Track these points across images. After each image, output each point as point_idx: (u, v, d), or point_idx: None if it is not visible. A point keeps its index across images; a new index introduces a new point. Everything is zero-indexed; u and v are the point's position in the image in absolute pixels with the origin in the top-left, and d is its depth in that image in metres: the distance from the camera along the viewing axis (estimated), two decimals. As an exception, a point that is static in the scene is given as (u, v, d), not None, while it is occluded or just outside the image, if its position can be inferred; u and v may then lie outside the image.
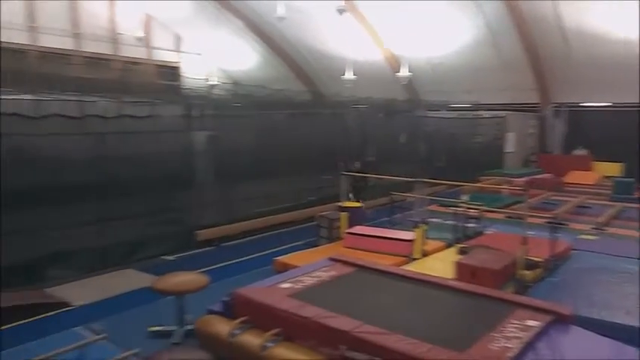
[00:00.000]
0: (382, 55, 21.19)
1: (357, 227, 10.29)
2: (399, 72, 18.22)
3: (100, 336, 6.00)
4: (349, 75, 18.56)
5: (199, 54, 18.27)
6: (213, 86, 15.71)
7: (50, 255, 8.67)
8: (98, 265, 9.13)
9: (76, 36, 15.93)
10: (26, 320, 6.85)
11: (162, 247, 10.13)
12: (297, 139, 13.71)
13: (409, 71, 17.91)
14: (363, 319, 5.34)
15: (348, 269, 7.33)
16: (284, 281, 6.75)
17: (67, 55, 14.80)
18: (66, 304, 7.44)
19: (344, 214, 10.76)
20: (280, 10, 16.00)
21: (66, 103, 10.42)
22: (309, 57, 21.58)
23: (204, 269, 8.10)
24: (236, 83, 17.88)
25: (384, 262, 8.12)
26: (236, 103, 14.20)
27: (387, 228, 10.91)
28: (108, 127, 10.08)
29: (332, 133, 14.98)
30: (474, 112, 21.13)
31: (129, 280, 8.65)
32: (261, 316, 5.88)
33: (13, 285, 8.00)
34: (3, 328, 6.58)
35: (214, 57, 19.32)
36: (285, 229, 12.26)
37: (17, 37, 14.27)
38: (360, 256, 8.25)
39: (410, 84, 21.04)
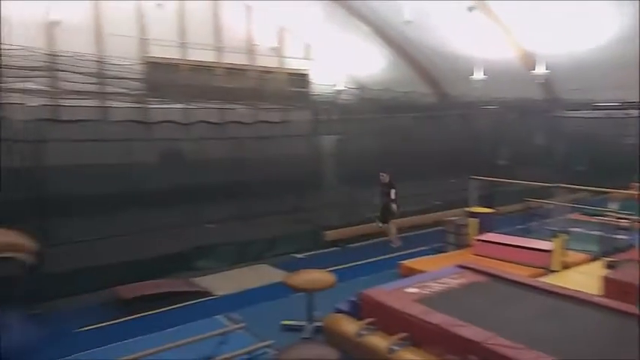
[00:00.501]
0: (515, 52, 19.90)
1: (488, 234, 9.83)
2: (534, 70, 17.00)
3: (239, 325, 6.50)
4: (478, 75, 17.76)
5: (328, 61, 18.79)
6: (340, 91, 16.11)
7: (196, 248, 9.60)
8: (237, 259, 9.90)
9: (219, 49, 17.29)
10: (176, 306, 7.66)
11: (293, 245, 10.64)
12: (424, 143, 13.51)
13: (546, 68, 16.62)
14: (495, 331, 5.11)
15: (478, 278, 7.05)
16: (410, 286, 6.71)
17: (210, 67, 16.19)
18: (209, 294, 8.18)
19: (473, 220, 10.35)
20: (407, 14, 15.90)
21: (210, 110, 11.52)
22: (435, 58, 21.02)
23: (330, 269, 8.36)
24: (362, 88, 18.10)
25: (519, 273, 7.66)
26: (362, 107, 14.44)
27: (521, 236, 10.27)
28: (246, 132, 10.90)
29: (460, 136, 14.49)
30: (624, 111, 18.91)
31: (263, 274, 9.24)
32: (387, 319, 5.91)
33: (165, 273, 9.03)
34: (156, 311, 7.44)
35: (342, 63, 19.72)
36: (410, 234, 12.14)
37: (170, 52, 15.88)
38: (491, 265, 7.89)
39: (547, 82, 19.49)
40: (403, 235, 11.76)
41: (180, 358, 5.56)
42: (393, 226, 11.44)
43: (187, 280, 8.56)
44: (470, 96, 16.74)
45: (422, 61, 20.59)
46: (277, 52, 18.51)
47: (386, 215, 11.40)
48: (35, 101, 10.30)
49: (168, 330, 6.68)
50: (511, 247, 9.19)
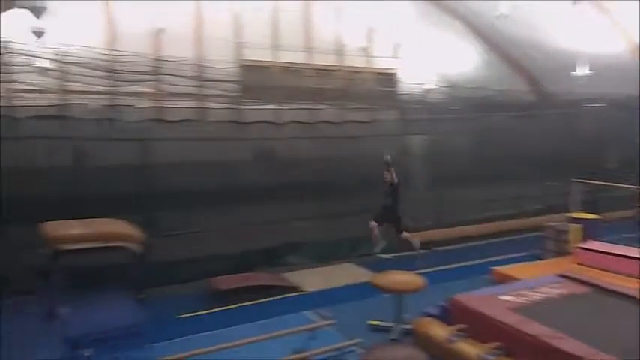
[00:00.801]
0: (625, 45, 18.28)
1: (593, 242, 9.13)
2: (647, 64, 15.46)
3: (328, 322, 6.60)
4: (582, 70, 16.53)
5: (417, 59, 18.47)
6: (429, 90, 15.76)
7: (286, 244, 9.90)
8: (324, 256, 10.06)
9: (308, 50, 17.56)
10: (268, 298, 7.95)
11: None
12: (520, 143, 12.82)
13: (664, 62, 15.07)
14: (600, 347, 4.75)
15: (581, 288, 6.58)
16: (505, 293, 6.42)
17: (301, 68, 16.53)
18: (298, 289, 8.40)
19: (575, 227, 9.66)
20: (503, 7, 15.17)
21: (300, 110, 11.81)
22: (533, 53, 19.82)
23: (417, 271, 8.22)
24: (453, 86, 17.58)
25: (626, 285, 7.04)
26: (453, 106, 14.02)
27: (629, 246, 9.42)
28: (335, 131, 11.04)
29: (561, 136, 13.58)
30: None
31: (350, 273, 9.31)
32: (479, 326, 5.71)
33: (256, 266, 9.42)
34: (249, 303, 7.76)
35: (432, 61, 19.27)
36: (503, 238, 11.60)
37: (263, 55, 16.40)
38: (595, 275, 7.33)
39: (663, 77, 17.62)
40: (495, 240, 11.28)
41: (270, 349, 5.76)
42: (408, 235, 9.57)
43: (278, 275, 8.85)
44: (572, 93, 15.64)
45: (518, 57, 19.55)
46: (366, 52, 18.50)
47: (397, 223, 9.30)
48: (144, 103, 11.23)
49: (260, 321, 6.95)
50: (618, 257, 8.47)
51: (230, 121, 12.08)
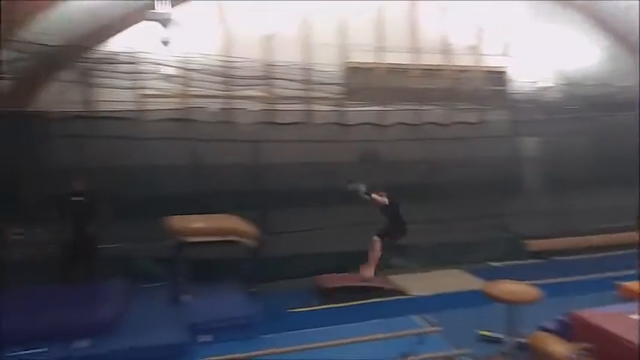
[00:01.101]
0: None
1: None
2: None
3: (435, 328, 6.46)
4: None
5: (530, 56, 17.41)
6: (545, 89, 14.79)
7: (392, 247, 9.83)
8: (429, 261, 9.86)
9: (414, 50, 17.29)
10: (373, 300, 7.97)
11: (489, 252, 10.17)
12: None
13: None
14: None
15: None
16: (635, 312, 5.84)
17: (406, 68, 16.31)
18: (404, 293, 8.32)
19: None
20: (631, -4, 13.80)
21: (406, 112, 11.68)
22: (667, 46, 17.77)
23: (532, 282, 7.75)
24: (571, 83, 16.33)
25: None
26: (570, 105, 13.02)
27: None
28: (441, 133, 10.78)
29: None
30: None
31: (458, 279, 9.04)
32: (606, 346, 5.25)
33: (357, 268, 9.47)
34: (355, 303, 7.84)
35: (547, 58, 18.05)
36: (629, 251, 10.55)
37: (368, 57, 16.42)
38: None
39: None
40: (622, 252, 10.28)
41: (376, 350, 5.77)
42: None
43: (384, 277, 8.83)
44: None
45: (649, 51, 17.67)
46: (474, 50, 17.82)
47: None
48: (256, 106, 11.82)
49: (366, 322, 6.99)
50: None
51: (335, 123, 12.30)
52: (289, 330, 6.88)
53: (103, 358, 5.57)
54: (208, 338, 6.35)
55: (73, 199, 7.48)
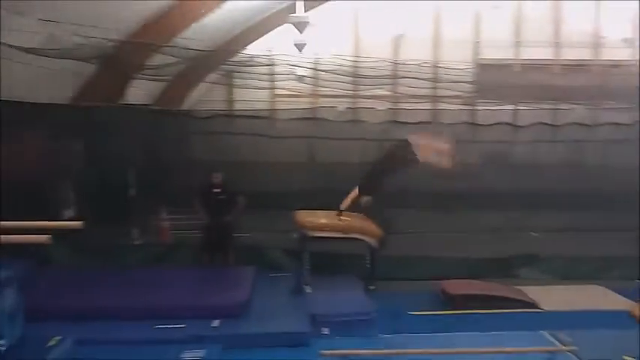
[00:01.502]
0: None
1: None
2: None
3: (569, 347, 5.93)
4: None
5: None
6: None
7: (519, 256, 9.22)
8: (565, 274, 9.05)
9: (556, 45, 15.99)
10: (500, 310, 7.52)
11: (636, 269, 9.03)
12: None
13: None
14: None
15: None
16: None
17: (546, 65, 15.15)
18: (535, 306, 7.74)
19: None
20: None
21: (545, 111, 10.83)
22: None
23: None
24: None
25: None
26: None
27: None
28: (586, 134, 9.81)
29: None
30: None
31: (598, 297, 8.16)
32: None
33: (486, 275, 9.01)
34: (481, 311, 7.47)
35: None
36: None
37: (503, 53, 15.57)
38: None
39: None
40: None
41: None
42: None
43: (513, 287, 8.31)
44: None
45: None
46: (630, 43, 15.88)
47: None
48: (383, 105, 11.86)
49: (491, 333, 6.63)
50: None
51: (464, 123, 11.85)
52: (409, 332, 6.78)
53: (232, 339, 5.98)
54: (326, 331, 6.52)
55: (213, 190, 8.14)
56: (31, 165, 8.18)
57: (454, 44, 14.55)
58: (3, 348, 4.19)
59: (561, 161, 9.86)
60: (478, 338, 6.32)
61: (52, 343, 4.94)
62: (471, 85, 12.81)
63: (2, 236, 3.13)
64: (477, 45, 15.26)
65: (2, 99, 7.01)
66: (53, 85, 8.38)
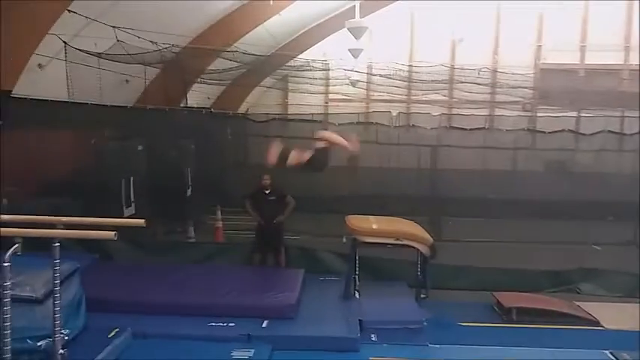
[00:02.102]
0: None
1: None
2: None
3: (632, 369, 5.59)
4: None
5: None
6: None
7: (582, 270, 8.79)
8: (630, 291, 8.53)
9: (625, 49, 15.18)
10: (558, 326, 7.17)
11: None
12: None
13: None
14: None
15: None
16: None
17: (613, 70, 14.41)
18: (596, 323, 7.34)
19: None
20: None
21: (613, 119, 10.28)
22: None
23: None
24: None
25: None
26: None
27: None
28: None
29: None
30: None
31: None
32: None
33: (542, 288, 8.65)
34: (537, 326, 7.17)
35: None
36: None
37: (567, 57, 14.96)
38: None
39: None
40: None
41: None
42: None
43: (572, 303, 7.91)
44: None
45: None
46: None
47: None
48: (438, 110, 11.65)
49: (549, 349, 6.33)
50: None
51: (524, 129, 11.44)
52: (459, 343, 6.59)
53: (281, 340, 6.02)
54: (375, 338, 6.45)
55: (264, 192, 8.28)
56: (99, 164, 8.63)
57: (515, 48, 14.10)
58: (68, 337, 4.41)
59: (628, 171, 9.29)
60: (533, 354, 6.07)
61: (111, 334, 5.17)
62: (531, 91, 12.37)
63: (72, 231, 3.32)
64: (539, 49, 14.71)
65: (72, 101, 7.46)
66: (118, 87, 8.83)
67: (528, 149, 11.18)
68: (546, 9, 14.41)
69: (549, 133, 10.45)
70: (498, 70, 11.90)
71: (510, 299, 7.69)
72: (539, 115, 12.63)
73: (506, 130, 11.42)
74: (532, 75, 12.41)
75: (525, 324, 7.23)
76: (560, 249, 9.63)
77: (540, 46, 14.82)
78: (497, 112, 13.22)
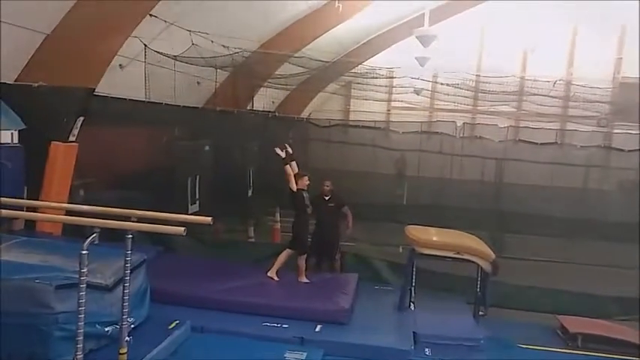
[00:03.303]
0: None
1: None
2: None
3: None
4: None
5: None
6: None
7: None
8: None
9: None
10: (623, 357, 6.74)
11: None
12: None
13: None
14: None
15: None
16: None
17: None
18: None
19: None
20: None
21: None
22: None
23: None
24: None
25: None
26: None
27: None
28: None
29: None
30: None
31: None
32: None
33: (609, 315, 8.14)
34: (604, 355, 6.75)
35: None
36: None
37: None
38: None
39: None
40: None
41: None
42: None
43: (631, 329, 7.40)
44: None
45: None
46: None
47: None
48: (506, 122, 11.25)
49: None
50: None
51: (600, 146, 10.84)
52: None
53: (333, 346, 6.00)
54: (429, 352, 6.30)
55: (323, 197, 8.33)
56: (168, 161, 9.03)
57: (593, 60, 13.38)
58: (133, 325, 4.62)
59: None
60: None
61: (172, 326, 5.36)
62: (608, 106, 11.70)
63: (146, 224, 3.48)
64: (619, 62, 13.90)
65: (148, 101, 7.86)
66: (190, 89, 9.20)
67: (602, 167, 10.56)
68: (629, 20, 13.59)
69: (627, 151, 9.82)
70: (574, 82, 11.34)
71: (576, 324, 7.28)
72: (615, 131, 11.91)
73: (580, 146, 10.84)
74: (610, 89, 11.71)
75: (591, 351, 6.83)
76: (633, 274, 9.02)
77: (621, 58, 14.00)
78: (570, 126, 12.59)
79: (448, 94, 11.30)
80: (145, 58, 7.42)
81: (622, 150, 10.06)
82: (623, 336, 7.14)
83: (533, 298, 8.36)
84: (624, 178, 10.75)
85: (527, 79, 11.16)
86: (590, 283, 8.67)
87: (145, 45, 7.35)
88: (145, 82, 7.48)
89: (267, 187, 11.17)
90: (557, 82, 10.38)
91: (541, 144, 10.20)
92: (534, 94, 10.75)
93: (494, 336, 6.81)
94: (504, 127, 11.05)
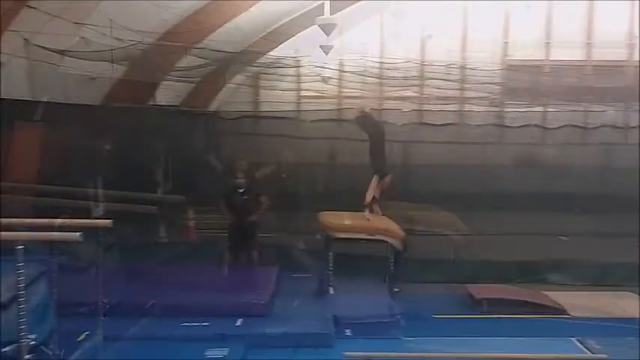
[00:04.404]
0: None
1: None
2: None
3: (600, 355, 5.76)
4: None
5: None
6: None
7: (550, 260, 9.03)
8: (594, 280, 8.82)
9: (587, 45, 15.57)
10: (527, 316, 7.35)
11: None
12: None
13: None
14: None
15: None
16: None
17: (577, 65, 14.76)
18: (564, 312, 7.56)
19: None
20: None
21: (577, 113, 10.58)
22: None
23: None
24: None
25: None
26: None
27: None
28: (620, 137, 9.56)
29: None
30: None
31: (629, 304, 7.92)
32: None
33: (513, 279, 8.87)
34: (508, 316, 7.34)
35: None
36: None
37: (532, 53, 15.21)
38: None
39: None
40: None
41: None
42: None
43: (541, 293, 8.14)
44: None
45: None
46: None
47: None
48: (408, 107, 11.76)
49: (518, 338, 6.49)
50: None
51: (492, 124, 11.66)
52: (433, 336, 6.68)
53: (255, 338, 6.00)
54: (349, 333, 6.49)
55: (238, 190, 8.22)
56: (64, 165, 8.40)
57: (482, 45, 14.29)
58: (34, 342, 4.29)
59: (592, 164, 9.60)
60: (504, 343, 6.19)
61: (81, 338, 5.05)
62: (499, 87, 12.59)
63: (33, 232, 3.22)
64: (505, 45, 14.97)
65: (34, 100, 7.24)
66: (83, 86, 8.61)
67: (496, 143, 11.39)
68: (512, 7, 14.67)
69: (516, 127, 10.70)
70: (466, 66, 12.09)
71: (481, 290, 7.86)
72: (507, 110, 12.86)
73: (475, 125, 11.63)
74: (499, 71, 12.62)
75: (496, 314, 7.39)
76: (530, 241, 9.85)
77: (507, 42, 15.07)
78: (467, 108, 13.40)
79: (354, 82, 11.55)
80: (27, 53, 6.81)
81: (511, 127, 10.93)
82: (523, 297, 7.82)
83: (442, 271, 8.87)
84: (518, 152, 11.65)
85: (424, 64, 11.72)
86: (493, 252, 9.33)
87: (25, 39, 6.74)
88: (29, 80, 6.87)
89: (179, 184, 10.81)
90: (450, 65, 11.00)
91: (441, 125, 10.79)
92: (432, 79, 11.32)
93: (409, 310, 7.16)
94: (407, 112, 11.55)
